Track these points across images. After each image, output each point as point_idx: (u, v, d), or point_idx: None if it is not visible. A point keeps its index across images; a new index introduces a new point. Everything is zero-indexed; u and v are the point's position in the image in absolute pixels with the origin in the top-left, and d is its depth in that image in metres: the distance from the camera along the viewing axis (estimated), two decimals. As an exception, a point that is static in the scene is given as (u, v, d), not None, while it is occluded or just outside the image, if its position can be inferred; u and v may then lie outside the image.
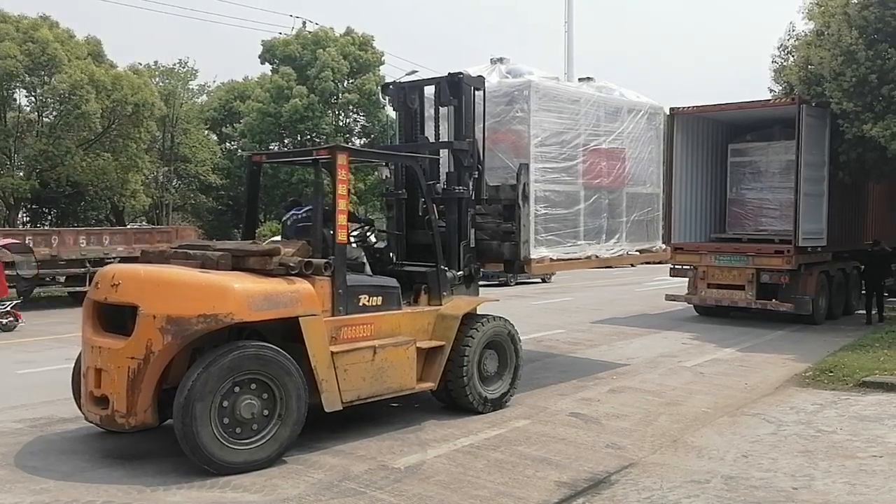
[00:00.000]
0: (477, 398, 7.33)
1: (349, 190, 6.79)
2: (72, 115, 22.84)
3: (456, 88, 7.78)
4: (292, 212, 7.68)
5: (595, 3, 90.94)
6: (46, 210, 28.60)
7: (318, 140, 35.88)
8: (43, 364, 10.21)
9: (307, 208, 7.55)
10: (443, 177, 8.05)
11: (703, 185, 15.11)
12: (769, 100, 14.89)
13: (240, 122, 34.66)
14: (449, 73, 7.85)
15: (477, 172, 7.86)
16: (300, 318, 5.98)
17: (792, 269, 13.32)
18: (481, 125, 7.93)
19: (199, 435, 5.45)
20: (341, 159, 6.64)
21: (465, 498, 5.22)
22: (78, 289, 17.27)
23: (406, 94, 8.30)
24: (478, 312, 7.66)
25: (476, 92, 7.90)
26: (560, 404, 7.86)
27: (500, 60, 8.71)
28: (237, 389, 5.65)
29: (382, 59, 35.97)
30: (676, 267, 14.51)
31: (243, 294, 5.74)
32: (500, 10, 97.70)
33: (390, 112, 35.96)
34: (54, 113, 24.44)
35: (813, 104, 13.41)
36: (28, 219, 28.36)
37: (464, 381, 7.19)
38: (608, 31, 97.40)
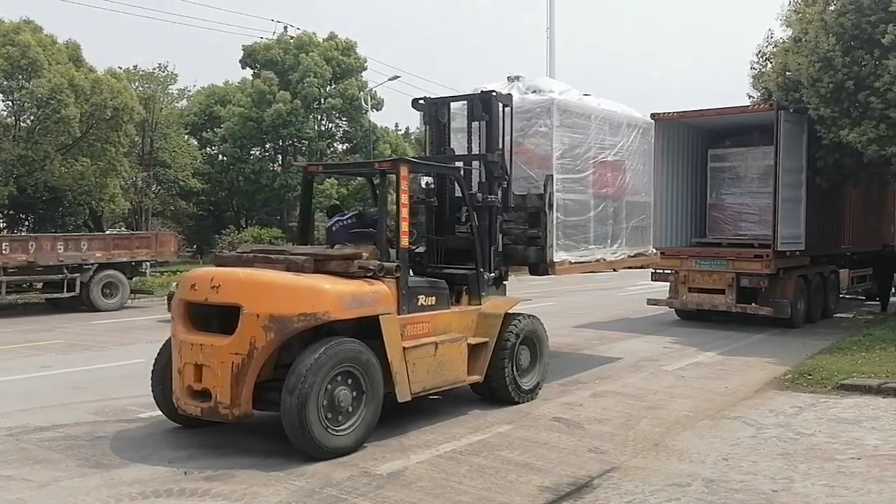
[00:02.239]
0: (515, 390, 7.99)
1: (410, 198, 7.46)
2: (50, 119, 22.63)
3: (487, 105, 8.44)
4: (336, 218, 8.31)
5: (593, 4, 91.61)
6: (24, 216, 28.27)
7: (299, 145, 35.79)
8: (19, 372, 10.06)
9: (350, 215, 8.36)
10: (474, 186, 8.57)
11: (683, 190, 15.21)
12: (748, 106, 15.02)
13: (220, 127, 34.46)
14: (482, 91, 8.58)
15: (505, 182, 8.48)
16: (380, 317, 6.55)
17: (771, 274, 13.43)
18: (506, 139, 8.54)
19: (308, 421, 5.92)
20: (403, 171, 7.09)
21: (448, 504, 5.21)
22: (55, 295, 17.11)
23: (437, 109, 8.91)
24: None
25: (505, 108, 8.52)
26: (542, 409, 7.87)
27: (517, 78, 9.29)
28: (336, 380, 6.15)
29: (365, 64, 35.96)
30: (658, 271, 14.57)
31: (336, 295, 6.31)
32: (498, 10, 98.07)
33: (372, 117, 36.12)
34: (32, 117, 24.19)
35: (791, 110, 13.53)
36: (5, 225, 28.02)
37: (505, 374, 7.84)
38: (604, 32, 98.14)
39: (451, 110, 8.99)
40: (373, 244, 7.15)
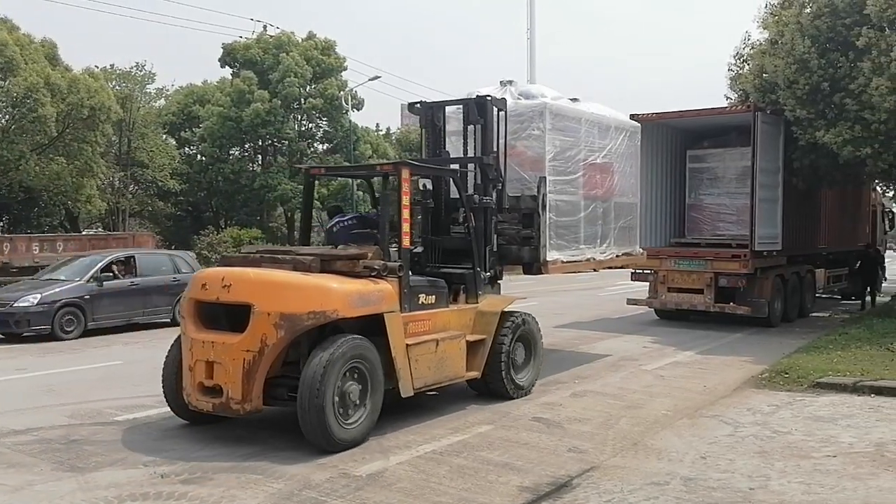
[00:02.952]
0: (511, 385, 8.21)
1: (411, 200, 7.75)
2: (26, 118, 22.33)
3: (482, 109, 8.64)
4: (336, 219, 8.47)
5: (578, 9, 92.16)
6: (-2, 216, 27.89)
7: (279, 145, 35.58)
8: (-7, 374, 9.90)
9: (351, 216, 8.57)
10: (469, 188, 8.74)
11: (663, 191, 15.30)
12: (725, 107, 15.15)
13: (199, 127, 34.17)
14: (477, 96, 8.76)
15: (500, 184, 8.70)
16: (385, 314, 6.75)
17: (748, 273, 13.55)
18: (501, 142, 8.76)
19: (325, 415, 6.12)
20: (405, 174, 7.33)
21: (427, 505, 5.19)
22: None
23: (434, 113, 9.19)
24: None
25: (499, 112, 8.74)
26: (523, 409, 7.87)
27: (510, 83, 9.53)
28: (346, 376, 6.37)
29: (345, 63, 35.83)
30: (637, 271, 14.66)
31: (344, 293, 6.52)
32: (484, 12, 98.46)
33: (353, 118, 36.00)
34: (7, 116, 23.86)
35: (767, 111, 13.67)
36: (-21, 225, 27.59)
37: (501, 370, 8.06)
38: (591, 36, 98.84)
39: (447, 114, 9.25)
40: (374, 244, 7.30)
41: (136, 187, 34.53)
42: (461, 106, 9.00)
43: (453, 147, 9.25)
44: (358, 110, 36.91)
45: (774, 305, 14.23)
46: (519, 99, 9.30)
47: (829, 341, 11.64)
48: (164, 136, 35.46)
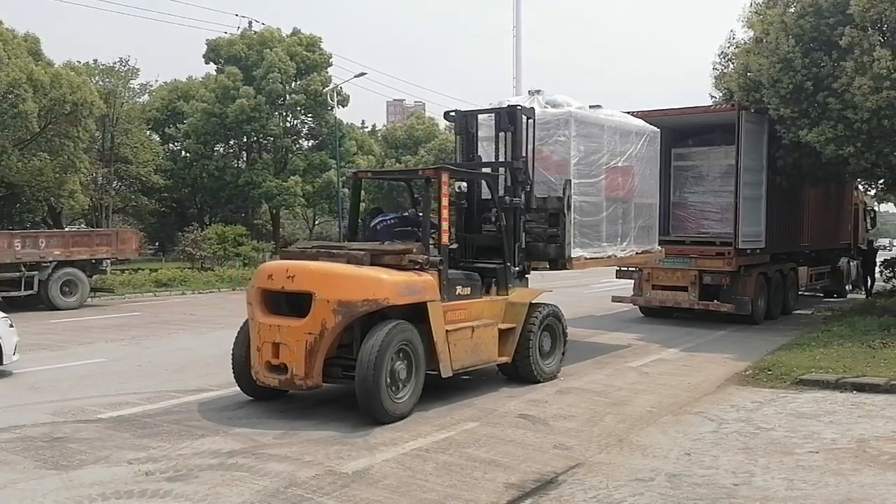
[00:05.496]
0: (538, 371, 8.94)
1: (451, 201, 8.59)
2: (8, 114, 22.09)
3: (513, 117, 9.28)
4: (379, 218, 9.17)
5: (566, 11, 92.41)
6: (-21, 212, 27.57)
7: (264, 142, 35.41)
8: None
9: (393, 216, 9.28)
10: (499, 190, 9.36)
11: (647, 189, 15.35)
12: (710, 106, 15.22)
13: (183, 123, 33.94)
14: (508, 105, 9.47)
15: (528, 186, 9.28)
16: (428, 303, 7.50)
17: (732, 271, 13.65)
18: (529, 147, 9.37)
19: (379, 389, 6.89)
20: (444, 178, 8.06)
21: (414, 502, 5.19)
22: (12, 293, 16.70)
23: (467, 120, 9.91)
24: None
25: (528, 120, 9.36)
26: (509, 406, 7.90)
27: (538, 92, 10.16)
28: (394, 357, 7.12)
29: (330, 59, 35.69)
30: (622, 269, 14.71)
31: (394, 284, 7.26)
32: (475, 10, 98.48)
33: (339, 114, 35.88)
34: (-13, 112, 23.59)
35: (752, 110, 13.75)
36: (-41, 221, 27.27)
37: (530, 356, 8.79)
38: (577, 37, 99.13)
39: (479, 121, 9.96)
40: (415, 241, 7.94)
41: (120, 183, 34.31)
42: (493, 114, 9.62)
43: (485, 152, 9.95)
44: (343, 107, 36.79)
45: (758, 303, 14.34)
46: (546, 107, 9.86)
47: (811, 339, 11.75)
48: (148, 132, 35.22)
